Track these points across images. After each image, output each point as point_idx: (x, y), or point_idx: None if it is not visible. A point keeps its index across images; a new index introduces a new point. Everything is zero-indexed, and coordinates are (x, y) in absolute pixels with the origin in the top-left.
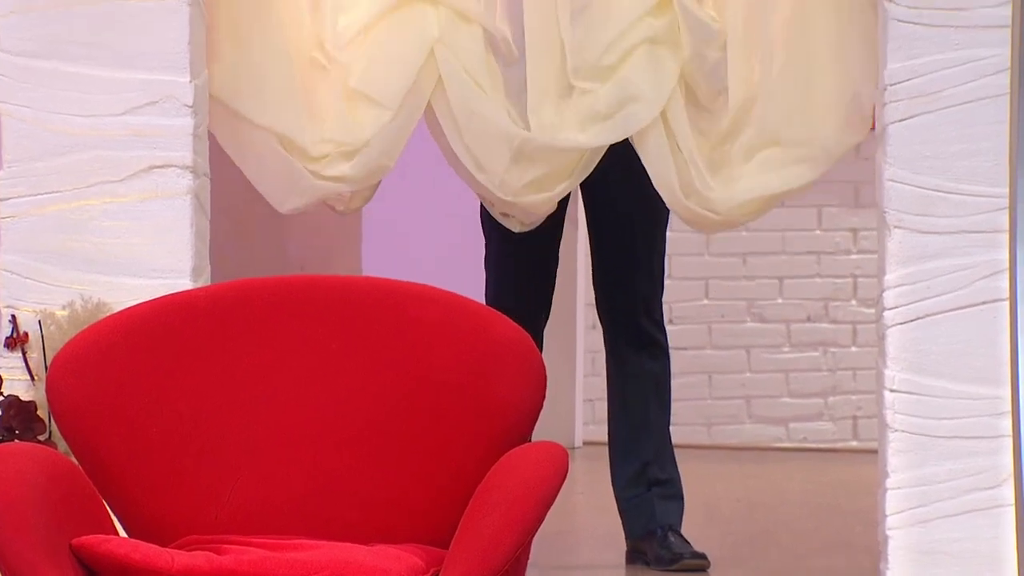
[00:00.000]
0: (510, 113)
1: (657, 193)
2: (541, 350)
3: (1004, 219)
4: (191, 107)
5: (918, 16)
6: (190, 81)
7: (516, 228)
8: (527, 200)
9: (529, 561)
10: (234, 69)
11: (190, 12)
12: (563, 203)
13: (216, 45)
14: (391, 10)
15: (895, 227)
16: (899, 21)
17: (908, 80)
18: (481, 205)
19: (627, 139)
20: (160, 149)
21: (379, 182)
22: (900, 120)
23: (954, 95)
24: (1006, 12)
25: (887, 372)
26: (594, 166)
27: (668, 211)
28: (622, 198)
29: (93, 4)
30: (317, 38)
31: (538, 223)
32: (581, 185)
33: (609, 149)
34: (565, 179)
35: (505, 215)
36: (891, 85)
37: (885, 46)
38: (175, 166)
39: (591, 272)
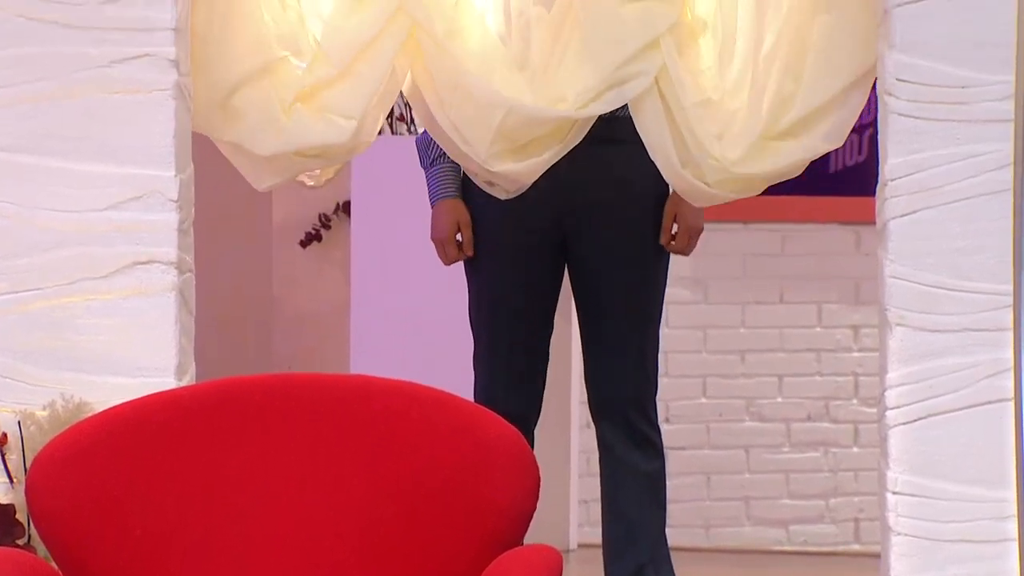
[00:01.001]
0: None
1: (649, 286)
2: (533, 449)
3: (1009, 317)
4: (176, 201)
5: (919, 110)
6: (175, 175)
7: (502, 196)
8: (512, 168)
9: None
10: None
11: (175, 106)
12: (553, 297)
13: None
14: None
15: (897, 325)
16: (900, 115)
17: (909, 175)
18: (469, 306)
19: (616, 232)
20: (144, 245)
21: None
22: (902, 215)
23: (956, 190)
24: (1008, 106)
25: (889, 473)
26: (584, 133)
27: (662, 305)
28: (613, 292)
29: (76, 98)
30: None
31: (523, 190)
32: (571, 277)
33: (597, 237)
34: (555, 145)
35: (490, 183)
36: (892, 180)
37: (886, 140)
38: (159, 262)
39: (583, 367)
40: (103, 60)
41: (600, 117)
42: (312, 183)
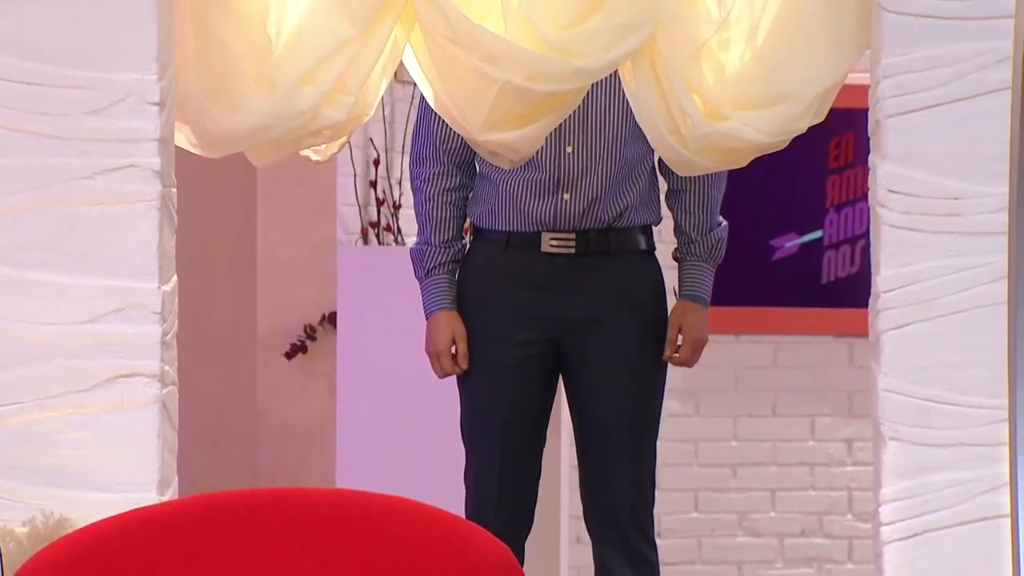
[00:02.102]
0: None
1: (648, 399)
2: (523, 564)
3: (1004, 432)
4: (159, 313)
5: (912, 222)
6: (158, 287)
7: (506, 166)
8: (509, 137)
9: None
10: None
11: (159, 216)
12: (547, 411)
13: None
14: None
15: (891, 439)
16: (893, 227)
17: (903, 287)
18: (461, 419)
19: (615, 346)
20: (127, 358)
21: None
22: (895, 328)
23: (950, 303)
24: (1002, 218)
25: None
26: (580, 100)
27: (659, 418)
28: (612, 405)
29: (59, 209)
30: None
31: (527, 158)
32: (567, 390)
33: (595, 351)
34: (551, 114)
35: (493, 153)
36: (885, 292)
37: (879, 252)
38: (142, 375)
39: (578, 480)
40: (86, 171)
41: (596, 230)
42: (317, 158)
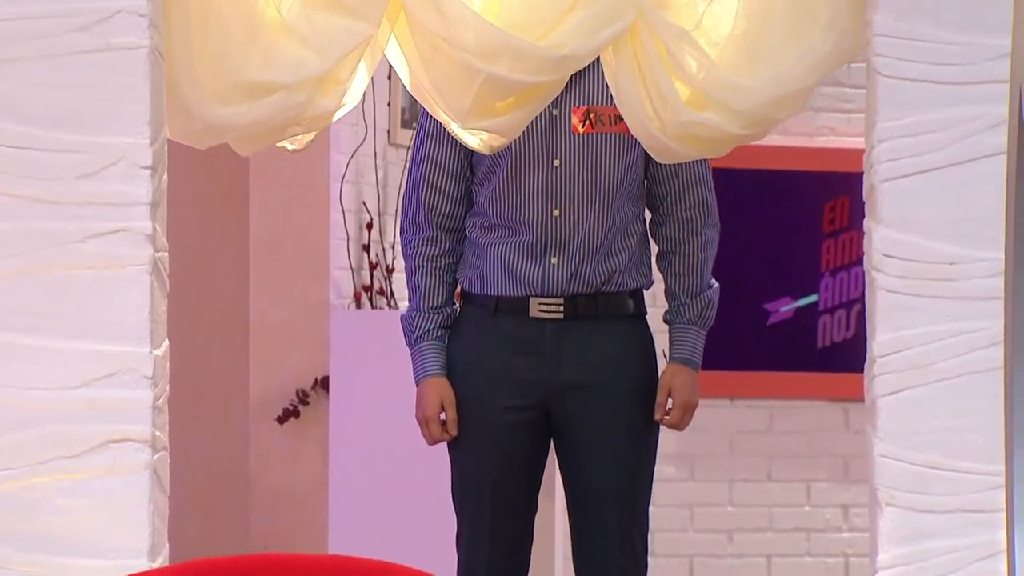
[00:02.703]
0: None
1: (640, 464)
2: None
3: (1001, 498)
4: (150, 378)
5: (907, 287)
6: (150, 351)
7: (486, 151)
8: (494, 123)
9: None
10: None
11: (151, 281)
12: (538, 476)
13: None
14: None
15: (887, 505)
16: (888, 291)
17: (898, 352)
18: (452, 485)
19: (605, 411)
20: (118, 423)
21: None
22: (891, 393)
23: (946, 368)
24: (998, 283)
25: None
26: (563, 86)
27: (651, 483)
28: (603, 471)
29: (50, 273)
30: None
31: (512, 139)
32: (559, 455)
33: (586, 416)
34: (535, 101)
35: (478, 137)
36: (880, 357)
37: (874, 317)
38: (133, 440)
39: (571, 546)
40: (78, 235)
41: (585, 294)
42: (293, 147)
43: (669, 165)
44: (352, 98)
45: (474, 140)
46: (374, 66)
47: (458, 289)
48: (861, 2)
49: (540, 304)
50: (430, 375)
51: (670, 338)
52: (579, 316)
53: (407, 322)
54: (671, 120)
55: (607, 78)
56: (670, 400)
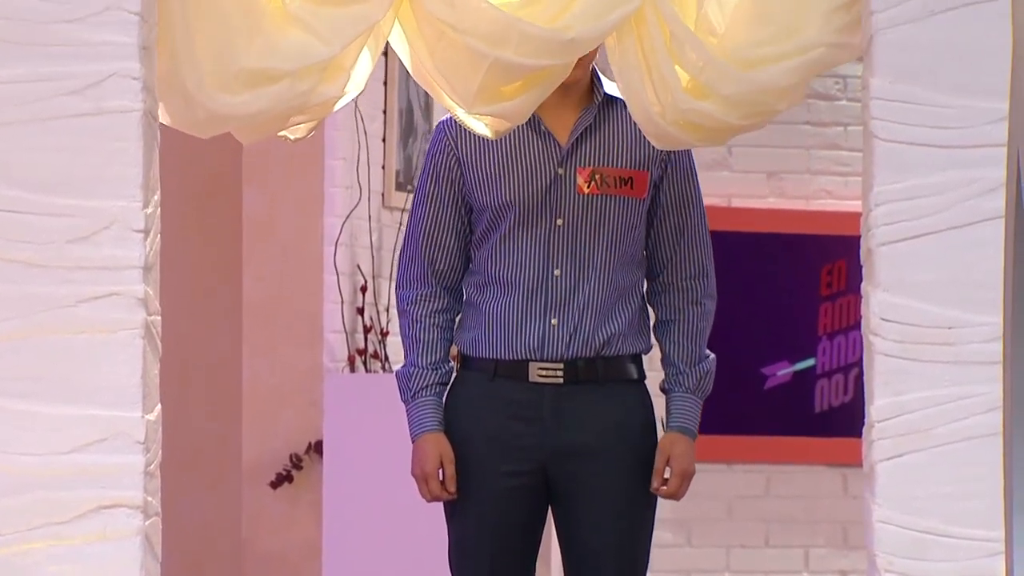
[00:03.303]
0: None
1: (638, 532)
2: None
3: (1000, 564)
4: (142, 443)
5: (905, 351)
6: (142, 416)
7: (490, 135)
8: (500, 108)
9: None
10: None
11: (143, 345)
12: (535, 543)
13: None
14: None
15: (886, 571)
16: (886, 356)
17: (896, 417)
18: (449, 550)
19: (604, 478)
20: (109, 488)
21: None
22: (889, 459)
23: (945, 434)
24: (996, 348)
25: None
26: (570, 70)
27: (649, 551)
28: (601, 539)
29: (42, 338)
30: None
31: (518, 124)
32: (556, 522)
33: (584, 482)
34: (543, 84)
35: (480, 121)
36: (879, 422)
37: (872, 381)
38: (125, 506)
39: None
40: (70, 300)
41: (585, 358)
42: (294, 137)
43: (671, 233)
44: (355, 86)
45: (480, 126)
46: (378, 52)
47: (453, 350)
48: None
49: (540, 369)
50: (428, 431)
51: (667, 406)
52: (579, 381)
53: (404, 378)
54: (671, 105)
55: (609, 60)
56: (668, 469)
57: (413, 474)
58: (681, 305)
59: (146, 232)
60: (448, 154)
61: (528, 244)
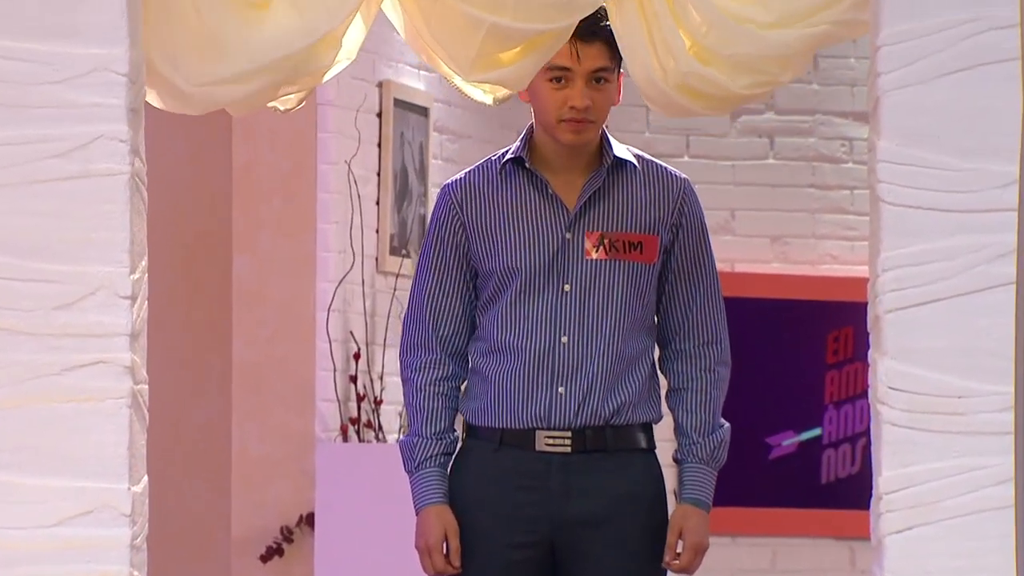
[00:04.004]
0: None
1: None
2: None
3: None
4: (129, 516)
5: (913, 421)
6: (128, 488)
7: (489, 100)
8: (497, 75)
9: None
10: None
11: (130, 415)
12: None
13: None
14: None
15: None
16: (893, 425)
17: (905, 488)
18: None
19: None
20: (96, 563)
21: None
22: (897, 532)
23: (954, 506)
24: (1007, 418)
25: None
26: (570, 34)
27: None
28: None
29: (26, 407)
30: None
31: (518, 90)
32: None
33: (592, 554)
34: (540, 49)
35: (478, 88)
36: (887, 494)
37: (879, 452)
38: None
39: None
40: (55, 368)
41: (593, 427)
42: (284, 108)
43: (682, 299)
44: (346, 55)
45: (478, 93)
46: (370, 20)
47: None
48: None
49: (547, 437)
50: (432, 503)
51: (680, 477)
52: (587, 450)
53: (407, 448)
54: (673, 69)
55: (611, 24)
56: (680, 542)
57: (416, 547)
58: (694, 373)
59: (133, 298)
60: (453, 218)
61: (535, 310)
